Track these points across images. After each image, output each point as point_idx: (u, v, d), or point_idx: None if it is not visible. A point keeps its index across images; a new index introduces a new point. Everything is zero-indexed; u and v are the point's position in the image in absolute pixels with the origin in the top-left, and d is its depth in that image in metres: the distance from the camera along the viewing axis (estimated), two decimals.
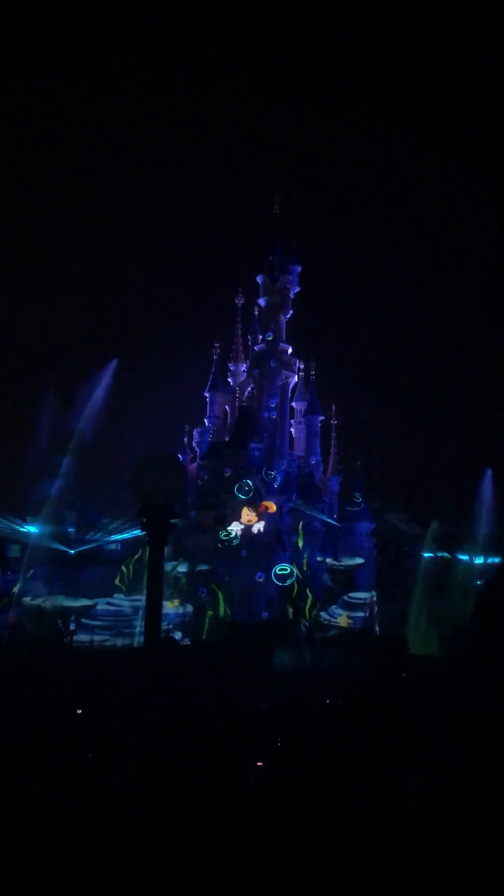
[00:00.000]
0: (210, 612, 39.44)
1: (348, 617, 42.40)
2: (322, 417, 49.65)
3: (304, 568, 42.55)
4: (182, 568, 40.76)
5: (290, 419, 49.44)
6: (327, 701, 13.49)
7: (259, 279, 48.65)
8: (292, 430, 49.59)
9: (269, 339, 46.83)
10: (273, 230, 49.82)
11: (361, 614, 42.63)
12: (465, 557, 44.51)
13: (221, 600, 40.02)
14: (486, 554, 43.91)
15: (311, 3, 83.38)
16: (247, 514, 42.56)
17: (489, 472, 44.62)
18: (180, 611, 39.90)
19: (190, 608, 39.95)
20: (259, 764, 7.25)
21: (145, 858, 6.01)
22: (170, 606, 37.30)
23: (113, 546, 42.10)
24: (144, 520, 14.39)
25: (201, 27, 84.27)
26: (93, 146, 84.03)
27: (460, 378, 71.80)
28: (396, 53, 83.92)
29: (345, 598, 43.57)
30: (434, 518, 44.83)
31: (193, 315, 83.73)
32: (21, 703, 15.00)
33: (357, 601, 43.42)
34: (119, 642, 35.84)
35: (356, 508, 45.98)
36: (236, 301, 50.50)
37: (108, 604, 40.09)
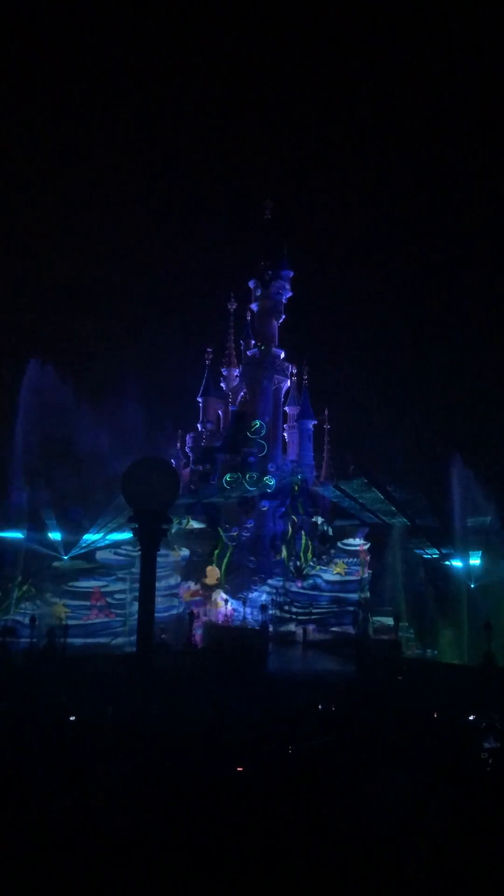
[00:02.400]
0: None
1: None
2: (315, 422, 49.81)
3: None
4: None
5: (283, 424, 49.56)
6: (319, 706, 13.47)
7: (251, 284, 48.82)
8: (285, 434, 49.70)
9: (262, 348, 47.03)
10: (265, 235, 50.02)
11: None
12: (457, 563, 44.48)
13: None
14: (466, 551, 43.81)
15: (304, 9, 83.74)
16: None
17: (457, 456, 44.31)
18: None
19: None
20: (239, 769, 7.23)
21: (139, 866, 5.98)
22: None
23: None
24: (136, 525, 14.43)
25: (193, 36, 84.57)
26: (86, 150, 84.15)
27: (455, 382, 72.01)
28: (389, 58, 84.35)
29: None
30: (413, 515, 44.69)
31: (186, 320, 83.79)
32: (13, 710, 14.95)
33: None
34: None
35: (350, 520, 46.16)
36: (229, 306, 50.71)
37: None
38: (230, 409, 48.44)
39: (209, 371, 49.66)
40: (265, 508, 43.80)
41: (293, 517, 43.63)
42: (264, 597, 42.11)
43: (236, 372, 49.87)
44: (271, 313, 48.35)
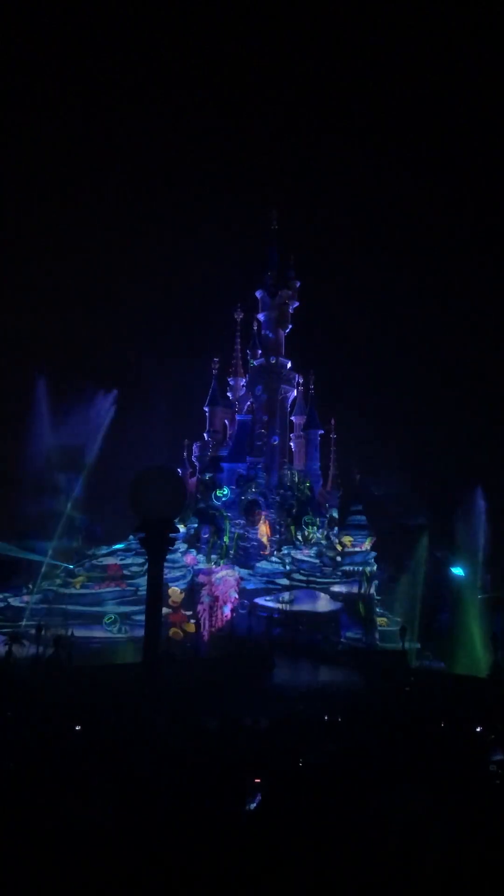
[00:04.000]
0: None
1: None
2: (321, 431, 49.74)
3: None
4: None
5: (290, 433, 49.53)
6: (326, 717, 13.43)
7: (258, 294, 48.89)
8: (291, 444, 49.67)
9: (273, 361, 47.21)
10: (271, 245, 50.15)
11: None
12: (459, 571, 44.41)
13: None
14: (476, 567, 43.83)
15: (307, 17, 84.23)
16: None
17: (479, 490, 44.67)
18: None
19: None
20: (256, 781, 7.19)
21: (144, 876, 5.95)
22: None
23: (114, 561, 42.11)
24: (144, 535, 14.46)
25: (197, 41, 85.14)
26: (89, 160, 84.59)
27: (461, 391, 71.91)
28: (394, 67, 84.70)
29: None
30: (425, 529, 44.77)
31: (193, 330, 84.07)
32: (19, 719, 14.93)
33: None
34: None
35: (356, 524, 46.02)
36: (235, 316, 50.71)
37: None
38: (236, 418, 48.44)
39: (216, 381, 49.72)
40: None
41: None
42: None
43: (243, 381, 49.90)
44: (278, 323, 48.42)
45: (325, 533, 45.43)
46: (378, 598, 44.35)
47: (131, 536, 38.45)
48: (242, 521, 43.64)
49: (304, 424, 49.82)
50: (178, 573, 40.61)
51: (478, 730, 13.73)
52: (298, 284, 49.21)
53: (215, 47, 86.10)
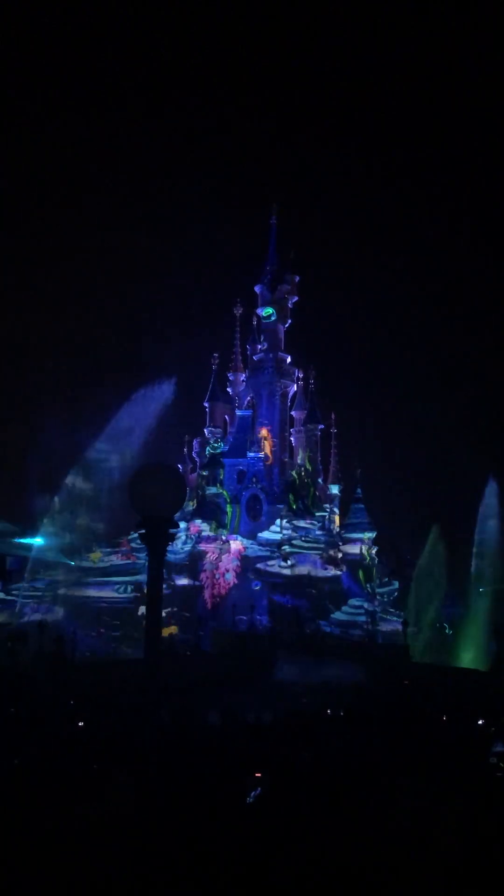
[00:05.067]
0: None
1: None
2: (322, 426, 49.69)
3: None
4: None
5: (290, 428, 49.49)
6: (328, 711, 13.44)
7: (258, 289, 48.79)
8: (292, 439, 49.62)
9: (268, 353, 47.41)
10: (271, 240, 50.05)
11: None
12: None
13: None
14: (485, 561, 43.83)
15: (307, 13, 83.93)
16: None
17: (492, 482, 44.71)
18: None
19: None
20: (258, 775, 7.20)
21: (146, 874, 5.96)
22: None
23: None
24: (143, 531, 14.42)
25: (198, 36, 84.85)
26: (89, 155, 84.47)
27: (461, 385, 71.87)
28: (395, 62, 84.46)
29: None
30: (435, 524, 44.85)
31: (192, 325, 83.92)
32: (22, 716, 14.95)
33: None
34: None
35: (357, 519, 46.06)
36: (235, 311, 50.62)
37: None
38: (237, 413, 48.41)
39: (215, 376, 49.65)
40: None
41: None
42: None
43: (243, 377, 49.84)
44: (277, 318, 48.36)
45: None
46: (381, 586, 44.55)
47: (133, 533, 38.68)
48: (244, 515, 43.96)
49: (304, 419, 49.77)
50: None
51: (479, 723, 13.76)
52: (298, 279, 49.14)
53: (215, 44, 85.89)
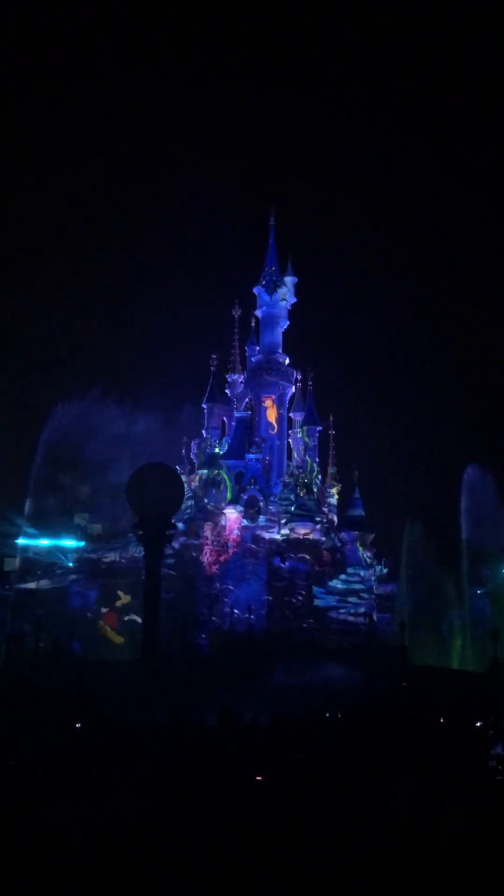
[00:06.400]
0: None
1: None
2: (320, 427, 49.73)
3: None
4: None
5: (288, 429, 49.52)
6: (327, 714, 13.42)
7: (256, 291, 48.86)
8: (290, 440, 49.64)
9: (266, 354, 47.82)
10: (269, 242, 50.10)
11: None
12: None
13: None
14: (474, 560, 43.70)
15: (306, 14, 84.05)
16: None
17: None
18: None
19: None
20: (258, 778, 7.19)
21: (146, 875, 5.94)
22: None
23: (113, 558, 42.21)
24: (141, 532, 14.40)
25: (196, 38, 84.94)
26: (88, 156, 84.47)
27: (459, 385, 71.90)
28: (393, 63, 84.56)
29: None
30: (414, 522, 44.67)
31: (191, 326, 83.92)
32: (20, 717, 14.91)
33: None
34: None
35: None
36: (233, 312, 50.62)
37: None
38: (235, 415, 48.39)
39: (214, 377, 49.64)
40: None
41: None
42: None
43: (241, 378, 49.85)
44: (275, 319, 48.44)
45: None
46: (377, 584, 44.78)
47: (130, 535, 38.66)
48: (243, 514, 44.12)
49: (303, 421, 49.78)
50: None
51: (477, 724, 13.75)
52: (296, 281, 49.21)
53: (214, 43, 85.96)
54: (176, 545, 41.03)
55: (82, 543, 41.95)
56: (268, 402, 47.14)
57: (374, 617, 41.95)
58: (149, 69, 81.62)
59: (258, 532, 42.72)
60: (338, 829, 6.48)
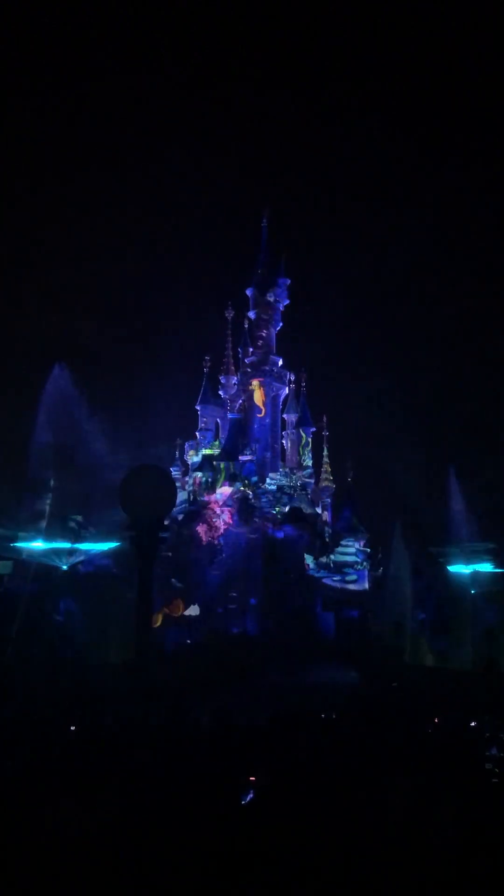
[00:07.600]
0: None
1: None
2: (314, 429, 49.86)
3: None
4: None
5: (282, 431, 49.63)
6: (322, 715, 13.41)
7: (249, 292, 48.96)
8: (284, 441, 49.73)
9: (260, 356, 48.10)
10: (262, 243, 50.21)
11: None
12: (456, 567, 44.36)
13: None
14: (470, 559, 43.79)
15: (305, 15, 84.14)
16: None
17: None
18: None
19: None
20: (252, 779, 7.17)
21: (142, 876, 5.92)
22: None
23: (105, 561, 42.04)
24: (134, 534, 14.39)
25: (194, 39, 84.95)
26: (83, 158, 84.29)
27: (454, 388, 72.00)
28: (391, 64, 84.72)
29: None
30: (403, 518, 44.75)
31: (184, 328, 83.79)
32: (13, 719, 14.87)
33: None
34: None
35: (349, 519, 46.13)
36: (226, 314, 50.70)
37: None
38: (228, 416, 48.45)
39: (207, 379, 49.70)
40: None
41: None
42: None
43: (234, 380, 49.92)
44: (269, 321, 48.54)
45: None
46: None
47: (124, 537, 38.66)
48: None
49: (296, 422, 49.90)
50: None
51: (472, 725, 13.75)
52: (289, 282, 49.34)
53: (210, 44, 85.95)
54: (169, 554, 41.17)
55: (76, 545, 41.77)
56: (261, 404, 47.21)
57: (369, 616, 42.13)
58: (143, 70, 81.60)
59: (251, 535, 42.70)
60: (334, 830, 6.47)
